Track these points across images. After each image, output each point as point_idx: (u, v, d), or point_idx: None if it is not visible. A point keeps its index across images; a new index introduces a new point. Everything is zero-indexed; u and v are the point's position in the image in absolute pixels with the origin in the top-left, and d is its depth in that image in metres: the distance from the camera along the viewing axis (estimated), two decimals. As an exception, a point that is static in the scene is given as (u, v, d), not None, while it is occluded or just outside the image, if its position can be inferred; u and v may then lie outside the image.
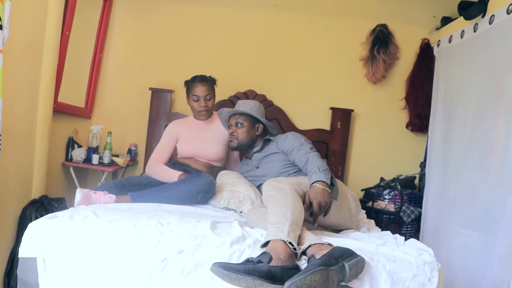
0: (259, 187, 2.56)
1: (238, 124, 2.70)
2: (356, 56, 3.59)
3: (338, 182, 2.34)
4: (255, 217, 2.10)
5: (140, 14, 3.63)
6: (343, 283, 1.62)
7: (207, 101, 2.84)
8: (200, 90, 2.81)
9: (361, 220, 2.59)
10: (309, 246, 1.74)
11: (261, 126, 2.74)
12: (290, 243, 1.68)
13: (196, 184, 2.42)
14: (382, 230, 2.40)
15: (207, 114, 2.88)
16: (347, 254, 1.65)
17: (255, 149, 2.71)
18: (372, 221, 2.66)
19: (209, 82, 2.87)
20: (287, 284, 1.49)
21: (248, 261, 1.61)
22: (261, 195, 2.55)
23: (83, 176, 3.45)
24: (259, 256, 1.63)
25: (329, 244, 1.74)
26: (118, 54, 3.62)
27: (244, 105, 2.74)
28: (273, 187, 1.96)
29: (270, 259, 1.59)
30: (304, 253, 1.74)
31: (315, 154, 2.35)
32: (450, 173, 2.87)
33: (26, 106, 2.45)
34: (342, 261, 1.61)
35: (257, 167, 2.66)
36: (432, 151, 3.18)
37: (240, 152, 3.00)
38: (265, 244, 1.72)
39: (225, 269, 1.53)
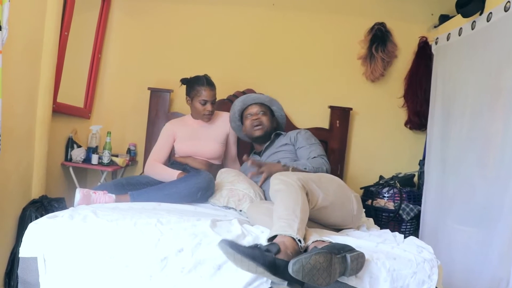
0: (264, 181, 2.58)
1: (261, 112, 2.81)
2: (354, 55, 3.59)
3: (343, 182, 2.35)
4: (257, 213, 2.12)
5: (138, 14, 3.63)
6: (344, 276, 1.63)
7: (213, 105, 2.86)
8: (209, 94, 2.82)
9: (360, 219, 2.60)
10: (312, 243, 1.76)
11: (276, 120, 2.88)
12: (299, 240, 1.69)
13: (196, 182, 2.42)
14: (381, 229, 2.40)
15: (211, 117, 2.91)
16: (348, 247, 1.67)
17: (267, 144, 2.79)
18: (371, 220, 2.66)
19: (214, 85, 2.87)
20: (292, 261, 1.50)
21: (256, 246, 1.62)
22: (263, 192, 2.58)
23: (83, 176, 3.45)
24: (268, 245, 1.65)
25: (331, 242, 1.75)
26: (116, 54, 3.63)
27: (263, 97, 2.88)
28: (281, 181, 1.95)
29: (278, 251, 1.60)
30: (306, 250, 1.75)
31: (321, 158, 2.54)
32: (449, 170, 2.87)
33: (25, 107, 2.45)
34: (344, 253, 1.62)
35: (262, 160, 2.71)
36: (430, 149, 3.18)
37: (239, 148, 3.03)
38: (272, 238, 1.72)
39: (232, 248, 1.54)
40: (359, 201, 2.32)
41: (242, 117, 2.92)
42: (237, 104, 2.89)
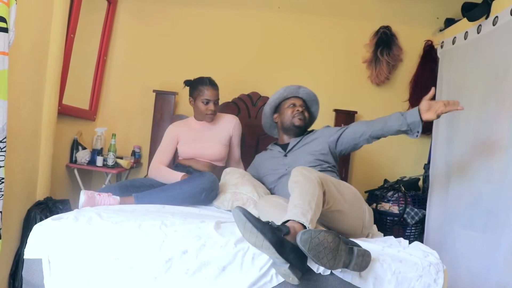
0: (281, 177, 2.57)
1: (304, 107, 2.82)
2: (359, 58, 3.59)
3: (358, 192, 2.34)
4: (266, 205, 2.15)
5: (144, 17, 3.65)
6: (347, 270, 1.64)
7: (216, 105, 2.86)
8: (211, 94, 2.82)
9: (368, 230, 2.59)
10: None
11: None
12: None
13: (199, 183, 2.42)
14: (386, 233, 2.40)
15: (214, 116, 2.90)
16: (355, 243, 1.68)
17: (301, 137, 2.76)
18: (374, 226, 2.64)
19: (216, 85, 2.88)
20: (302, 231, 1.52)
21: (268, 223, 1.64)
22: (267, 193, 2.58)
23: (87, 178, 3.46)
24: (279, 225, 1.66)
25: None
26: (122, 56, 3.64)
27: (313, 96, 2.88)
28: (302, 174, 1.95)
29: (288, 233, 1.62)
30: None
31: None
32: (454, 175, 2.86)
33: (31, 108, 2.46)
34: (351, 245, 1.63)
35: (285, 155, 2.68)
36: (435, 153, 3.17)
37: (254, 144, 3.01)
38: (284, 223, 1.73)
39: (245, 216, 1.57)
40: (371, 213, 2.31)
41: (278, 105, 2.89)
42: (285, 92, 2.87)
